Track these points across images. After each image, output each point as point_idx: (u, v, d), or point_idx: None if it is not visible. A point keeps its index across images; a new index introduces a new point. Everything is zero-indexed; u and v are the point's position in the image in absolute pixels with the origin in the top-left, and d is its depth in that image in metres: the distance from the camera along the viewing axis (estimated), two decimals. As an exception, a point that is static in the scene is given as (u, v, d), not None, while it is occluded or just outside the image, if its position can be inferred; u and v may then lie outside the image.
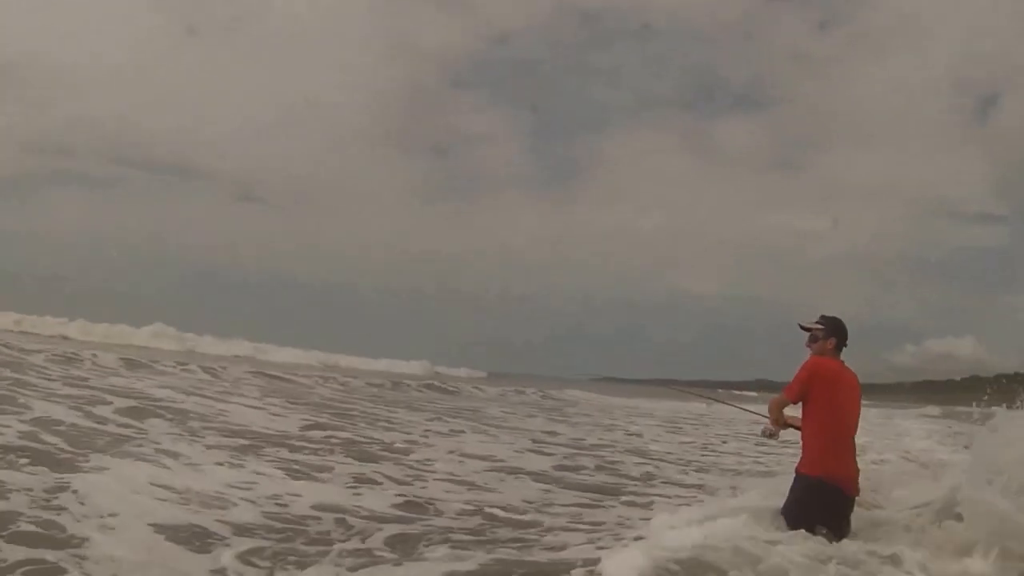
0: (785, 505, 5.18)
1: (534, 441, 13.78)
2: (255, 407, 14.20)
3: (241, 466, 8.16)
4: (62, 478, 6.41)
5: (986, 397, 7.91)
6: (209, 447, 9.10)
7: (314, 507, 6.66)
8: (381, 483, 8.18)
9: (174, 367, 21.99)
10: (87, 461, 7.33)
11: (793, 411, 5.47)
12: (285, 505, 6.66)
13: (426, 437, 12.76)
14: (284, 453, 9.32)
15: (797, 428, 5.41)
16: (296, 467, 8.51)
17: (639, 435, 17.35)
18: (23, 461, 6.86)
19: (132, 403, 12.14)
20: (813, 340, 5.38)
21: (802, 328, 5.46)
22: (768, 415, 5.52)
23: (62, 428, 9.05)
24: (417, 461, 9.85)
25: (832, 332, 5.36)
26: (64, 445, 8.02)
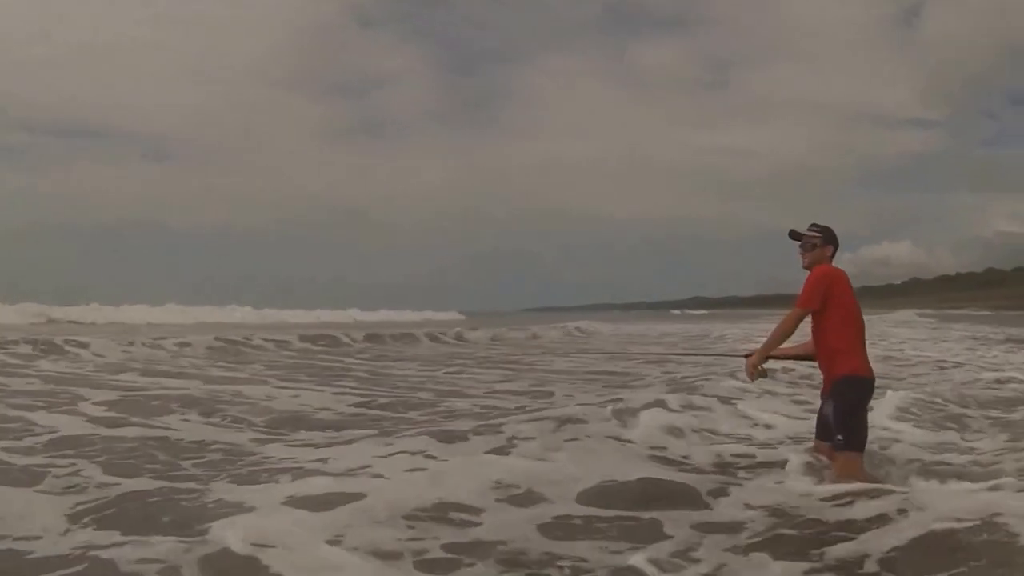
0: (840, 417, 4.98)
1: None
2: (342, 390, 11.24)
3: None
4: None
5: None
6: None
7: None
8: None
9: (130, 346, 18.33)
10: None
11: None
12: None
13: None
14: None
15: (786, 359, 5.55)
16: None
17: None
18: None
19: (113, 397, 9.97)
20: (809, 248, 5.22)
21: (793, 236, 5.28)
22: (772, 340, 5.19)
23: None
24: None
25: (829, 239, 5.25)
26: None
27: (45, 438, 6.61)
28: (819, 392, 5.34)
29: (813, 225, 5.28)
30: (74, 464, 5.62)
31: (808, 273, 5.12)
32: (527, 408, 8.46)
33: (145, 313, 40.83)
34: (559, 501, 4.53)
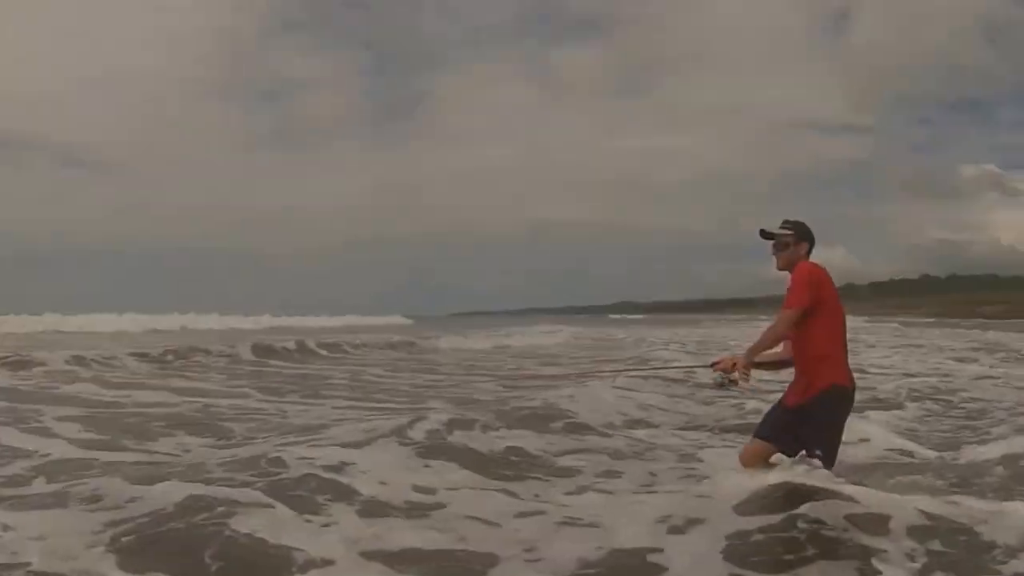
0: (824, 430, 4.59)
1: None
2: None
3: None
4: None
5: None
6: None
7: None
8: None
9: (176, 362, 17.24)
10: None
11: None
12: None
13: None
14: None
15: (768, 367, 4.97)
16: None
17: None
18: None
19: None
20: (782, 247, 4.76)
21: (765, 235, 4.82)
22: (763, 342, 4.63)
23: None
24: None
25: (804, 236, 4.78)
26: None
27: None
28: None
29: (785, 222, 4.81)
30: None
31: (789, 275, 4.67)
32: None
33: (59, 322, 38.40)
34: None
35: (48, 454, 6.24)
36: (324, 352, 20.66)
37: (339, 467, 5.23)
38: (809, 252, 4.79)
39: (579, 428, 7.47)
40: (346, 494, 4.71)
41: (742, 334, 30.42)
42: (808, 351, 4.63)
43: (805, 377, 4.66)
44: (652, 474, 5.62)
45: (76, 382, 11.87)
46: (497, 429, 6.91)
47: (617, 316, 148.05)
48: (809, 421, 4.57)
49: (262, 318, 52.40)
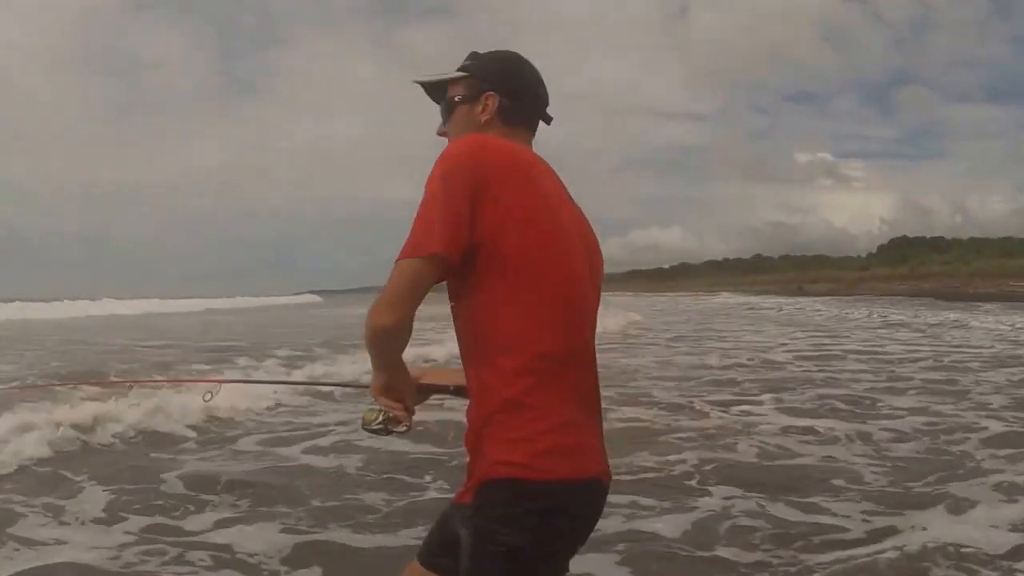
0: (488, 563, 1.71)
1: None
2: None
3: None
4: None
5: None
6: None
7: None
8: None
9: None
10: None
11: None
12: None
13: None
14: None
15: (446, 392, 2.02)
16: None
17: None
18: None
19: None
20: (450, 109, 1.95)
21: (429, 90, 2.00)
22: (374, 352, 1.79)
23: None
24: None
25: (492, 77, 1.92)
26: None
27: None
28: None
29: (472, 53, 1.99)
30: None
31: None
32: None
33: None
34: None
35: None
36: None
37: None
38: (517, 117, 1.92)
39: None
40: None
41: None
42: (477, 379, 1.78)
43: (470, 438, 1.79)
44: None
45: None
46: None
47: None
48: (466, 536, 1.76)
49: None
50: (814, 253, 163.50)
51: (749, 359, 13.29)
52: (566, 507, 1.71)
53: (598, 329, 1.89)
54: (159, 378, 9.53)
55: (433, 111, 2.00)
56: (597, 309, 1.91)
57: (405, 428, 1.88)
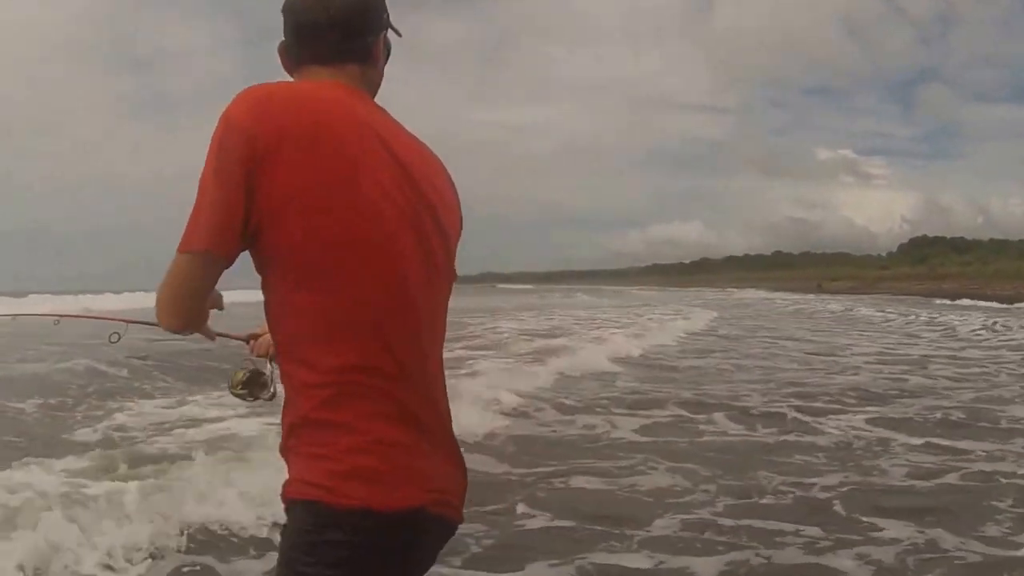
0: None
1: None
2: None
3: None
4: None
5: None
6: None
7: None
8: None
9: None
10: None
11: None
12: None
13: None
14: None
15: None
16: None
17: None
18: None
19: None
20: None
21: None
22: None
23: None
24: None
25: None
26: None
27: None
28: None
29: None
30: None
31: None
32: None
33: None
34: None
35: None
36: None
37: None
38: (296, 53, 1.52)
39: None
40: None
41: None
42: (283, 379, 1.48)
43: (280, 448, 1.48)
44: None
45: None
46: None
47: (507, 286, 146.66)
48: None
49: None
50: (835, 251, 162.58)
51: (828, 363, 12.69)
52: (376, 542, 1.37)
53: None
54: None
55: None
56: (443, 307, 1.54)
57: (270, 395, 1.81)
